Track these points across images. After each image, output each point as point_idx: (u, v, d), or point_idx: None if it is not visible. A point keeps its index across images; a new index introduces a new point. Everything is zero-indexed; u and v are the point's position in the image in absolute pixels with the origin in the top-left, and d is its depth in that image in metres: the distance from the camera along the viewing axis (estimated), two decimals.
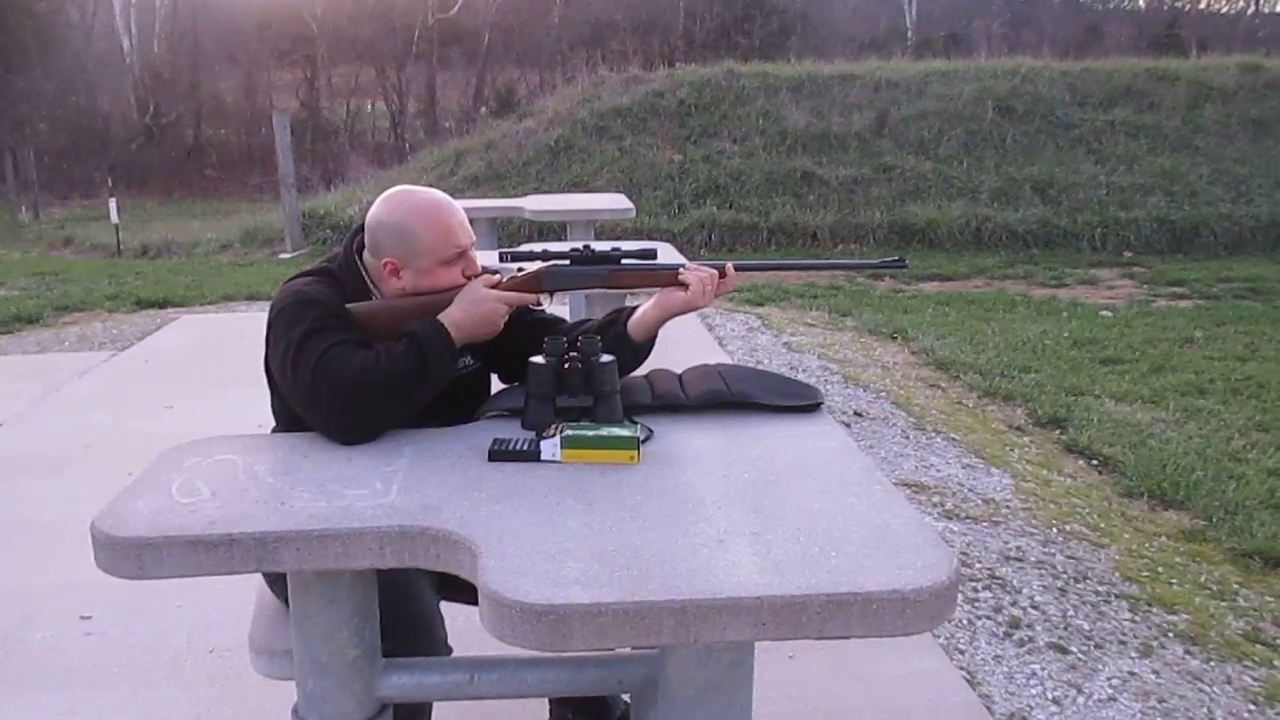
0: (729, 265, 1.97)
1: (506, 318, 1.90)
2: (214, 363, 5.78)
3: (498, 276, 1.93)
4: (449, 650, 1.89)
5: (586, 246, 1.99)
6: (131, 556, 1.41)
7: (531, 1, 29.06)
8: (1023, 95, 13.54)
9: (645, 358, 2.02)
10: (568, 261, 1.97)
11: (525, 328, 2.02)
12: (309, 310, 1.80)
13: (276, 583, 1.90)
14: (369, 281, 1.95)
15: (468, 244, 1.93)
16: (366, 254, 1.95)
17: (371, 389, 1.73)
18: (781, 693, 2.53)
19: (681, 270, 1.94)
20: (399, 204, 1.91)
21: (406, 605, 1.81)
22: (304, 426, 1.81)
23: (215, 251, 12.62)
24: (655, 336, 1.99)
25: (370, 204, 2.00)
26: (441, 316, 1.84)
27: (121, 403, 5.06)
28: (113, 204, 13.69)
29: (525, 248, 2.02)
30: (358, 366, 1.74)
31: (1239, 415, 5.02)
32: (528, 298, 1.93)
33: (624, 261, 1.98)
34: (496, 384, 2.11)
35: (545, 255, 1.98)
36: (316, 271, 1.95)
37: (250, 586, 1.99)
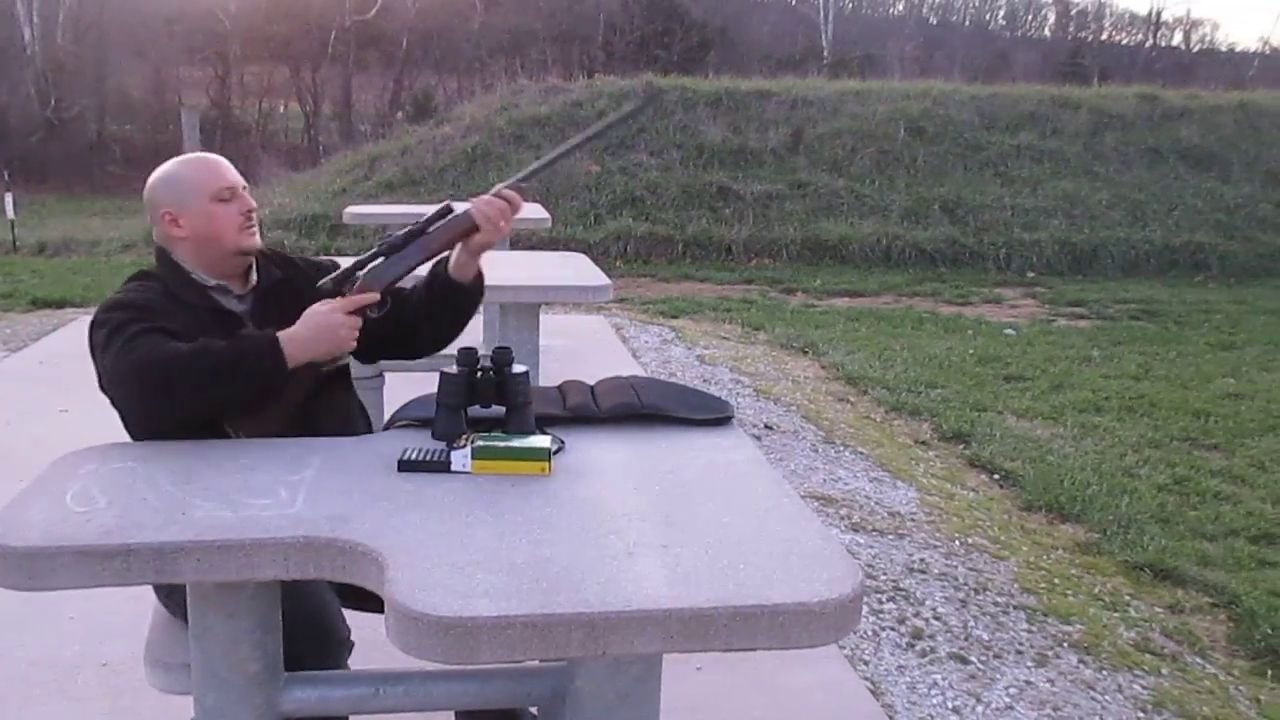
0: (504, 189, 1.95)
1: (357, 329, 1.88)
2: None
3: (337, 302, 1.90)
4: (350, 643, 1.87)
5: (388, 233, 1.97)
6: (22, 567, 1.35)
7: (451, 7, 28.88)
8: (933, 117, 13.88)
9: (479, 295, 2.06)
10: (382, 258, 1.95)
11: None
12: (114, 314, 1.81)
13: (170, 595, 1.86)
14: (174, 259, 1.95)
15: (237, 184, 1.95)
16: (155, 229, 1.97)
17: (171, 372, 1.71)
18: (689, 705, 2.55)
19: (472, 212, 1.94)
20: (167, 164, 1.99)
21: (301, 600, 1.78)
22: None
23: (118, 251, 12.21)
24: (479, 273, 2.02)
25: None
26: (282, 332, 1.81)
27: (13, 406, 4.87)
28: (9, 199, 13.17)
29: (337, 259, 2.00)
30: (166, 351, 1.73)
31: (1132, 432, 5.21)
32: (366, 300, 1.90)
33: (430, 230, 1.95)
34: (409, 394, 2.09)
35: (359, 264, 1.96)
36: (135, 276, 1.98)
37: (147, 598, 1.94)
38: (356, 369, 2.14)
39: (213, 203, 1.92)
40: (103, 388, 1.81)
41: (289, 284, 2.03)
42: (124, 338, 1.75)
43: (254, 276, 2.02)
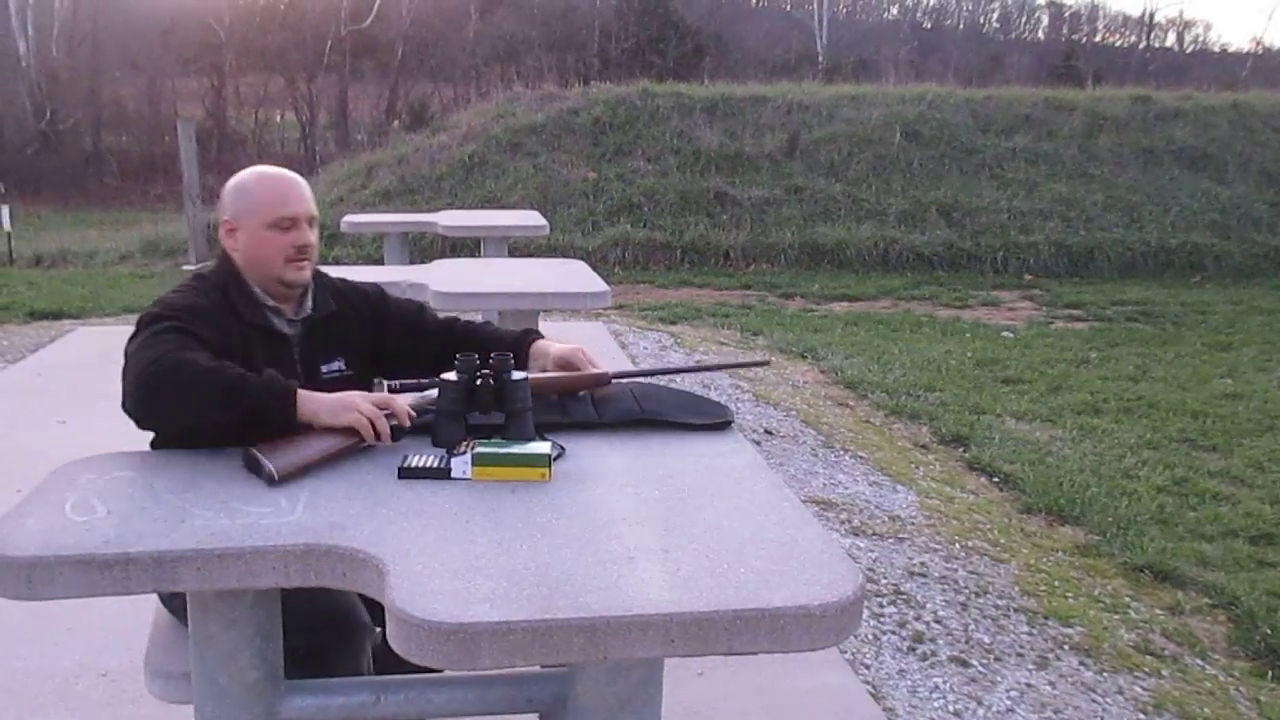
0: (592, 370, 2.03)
1: (372, 423, 1.77)
2: (112, 377, 5.55)
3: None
4: (371, 628, 1.89)
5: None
6: (21, 576, 1.35)
7: (446, 15, 28.92)
8: (929, 121, 13.89)
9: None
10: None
11: (401, 330, 2.08)
12: (156, 311, 1.79)
13: (174, 599, 1.86)
14: (236, 268, 1.94)
15: (301, 215, 1.92)
16: (221, 229, 1.97)
17: (180, 377, 1.66)
18: (690, 710, 2.54)
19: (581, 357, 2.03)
20: (248, 170, 1.97)
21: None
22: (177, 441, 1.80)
23: (114, 262, 12.22)
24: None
25: None
26: (305, 392, 1.76)
27: (12, 417, 4.87)
28: (4, 211, 13.17)
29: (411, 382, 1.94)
30: (184, 357, 1.68)
31: (1131, 434, 5.21)
32: (399, 409, 1.82)
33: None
34: None
35: (435, 383, 1.89)
36: (195, 277, 1.96)
37: (146, 607, 1.93)
38: None
39: (268, 228, 1.90)
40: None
41: (339, 317, 2.02)
42: (153, 331, 1.73)
43: (309, 304, 2.00)
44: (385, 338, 2.08)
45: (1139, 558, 3.65)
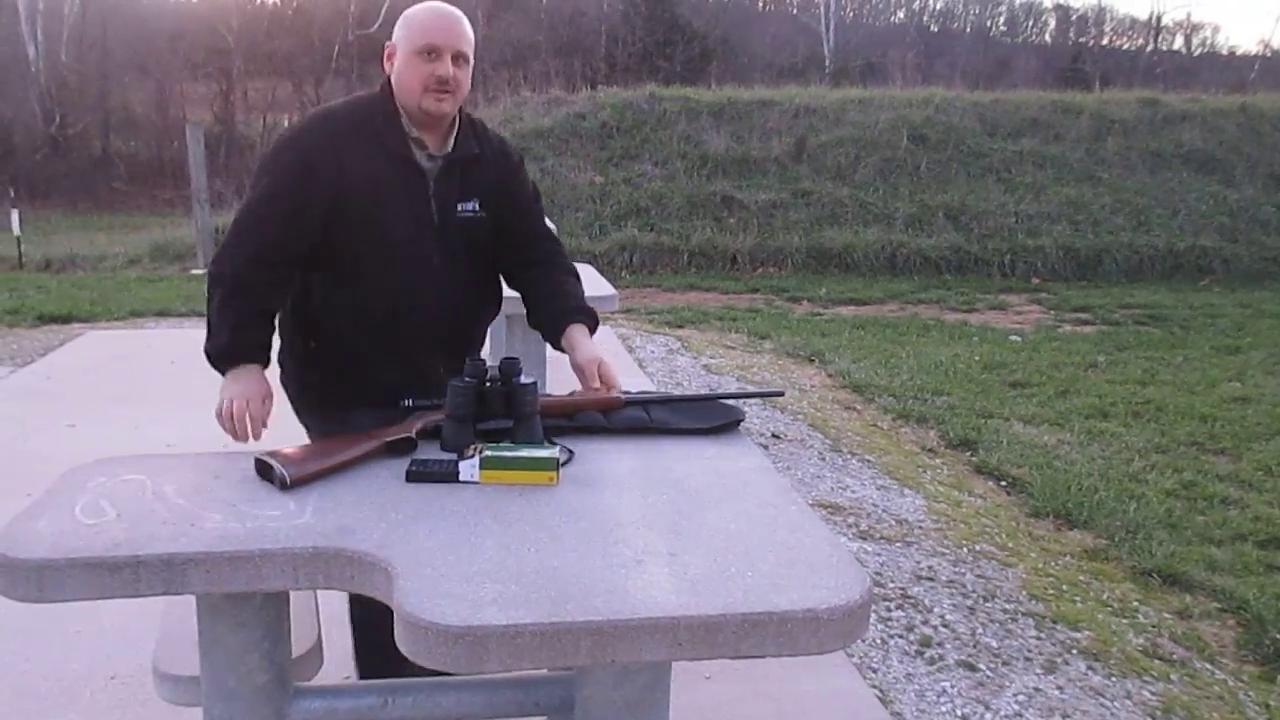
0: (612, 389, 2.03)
1: (243, 427, 1.98)
2: (121, 381, 5.61)
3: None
4: None
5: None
6: (31, 579, 1.36)
7: None
8: (936, 124, 13.89)
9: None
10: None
11: (514, 207, 2.17)
12: (269, 162, 2.01)
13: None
14: (395, 97, 2.02)
15: (444, 47, 1.96)
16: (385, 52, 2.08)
17: (215, 290, 1.98)
18: (698, 713, 2.54)
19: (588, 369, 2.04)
20: (422, 3, 2.04)
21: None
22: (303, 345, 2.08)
23: (123, 266, 12.26)
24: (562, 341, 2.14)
25: None
26: (242, 370, 1.99)
27: (21, 421, 4.88)
28: (14, 215, 13.23)
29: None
30: (233, 276, 1.97)
31: (1139, 437, 5.20)
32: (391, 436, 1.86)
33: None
34: None
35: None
36: (346, 103, 2.09)
37: (155, 610, 1.94)
38: None
39: (414, 54, 1.97)
40: None
41: (480, 159, 2.09)
42: (245, 208, 2.00)
43: (450, 141, 2.05)
44: (504, 202, 2.14)
45: (1147, 562, 3.64)
